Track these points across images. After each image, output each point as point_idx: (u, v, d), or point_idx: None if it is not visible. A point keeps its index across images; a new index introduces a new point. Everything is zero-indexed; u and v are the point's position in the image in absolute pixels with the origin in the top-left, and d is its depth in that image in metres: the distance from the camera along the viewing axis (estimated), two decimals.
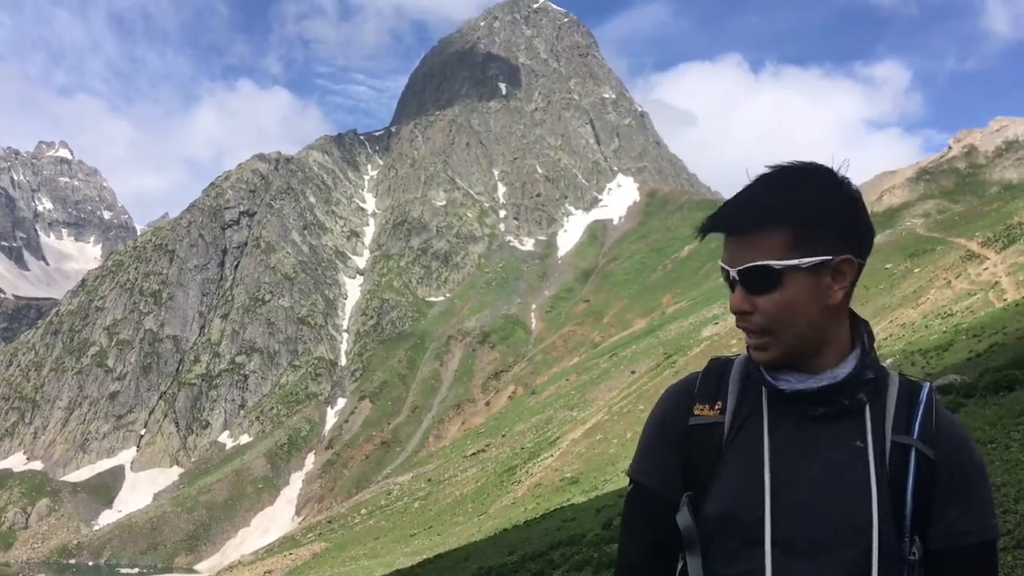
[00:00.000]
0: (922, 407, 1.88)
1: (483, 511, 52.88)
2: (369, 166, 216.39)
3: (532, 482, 53.06)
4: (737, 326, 1.94)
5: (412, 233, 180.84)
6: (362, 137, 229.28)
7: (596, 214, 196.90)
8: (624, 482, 32.91)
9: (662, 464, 2.03)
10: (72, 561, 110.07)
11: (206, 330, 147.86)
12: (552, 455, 57.12)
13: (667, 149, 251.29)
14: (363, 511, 77.41)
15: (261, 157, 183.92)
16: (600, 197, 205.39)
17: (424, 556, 38.34)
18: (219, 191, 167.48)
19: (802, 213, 1.82)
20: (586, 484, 43.14)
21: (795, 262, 1.81)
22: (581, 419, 65.62)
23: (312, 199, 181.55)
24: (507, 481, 58.65)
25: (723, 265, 1.93)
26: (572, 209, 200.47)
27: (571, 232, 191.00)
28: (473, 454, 79.36)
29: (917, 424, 1.85)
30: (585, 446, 53.41)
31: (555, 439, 62.40)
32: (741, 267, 1.86)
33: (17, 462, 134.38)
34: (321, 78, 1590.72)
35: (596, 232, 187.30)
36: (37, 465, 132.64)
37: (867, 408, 1.88)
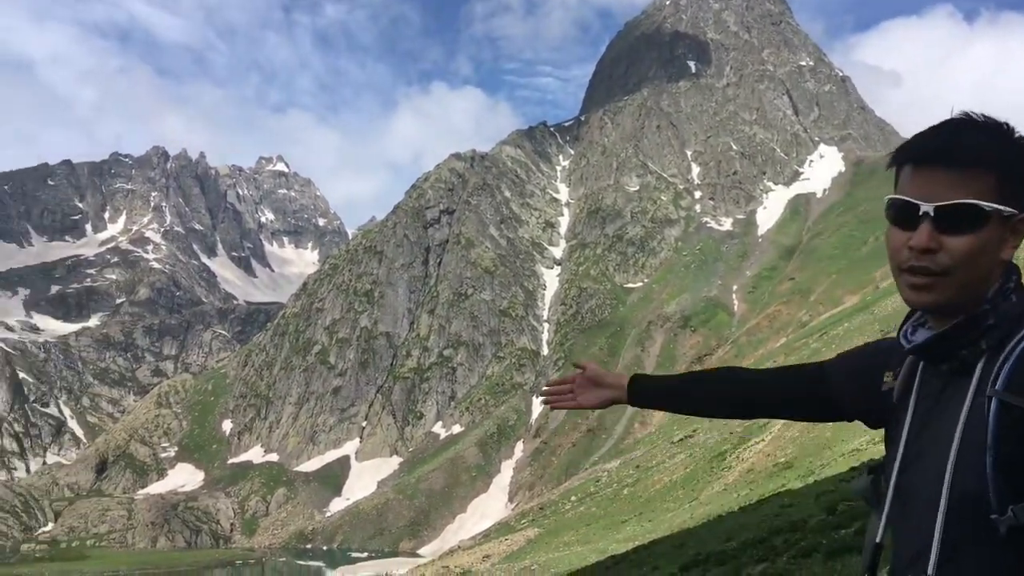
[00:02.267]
0: (1015, 356, 1.81)
1: (693, 497, 52.09)
2: (560, 156, 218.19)
3: (744, 468, 51.67)
4: (903, 266, 1.90)
5: (607, 220, 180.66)
6: (552, 128, 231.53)
7: (797, 188, 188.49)
8: (844, 467, 31.30)
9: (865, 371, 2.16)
10: (308, 546, 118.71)
11: (415, 325, 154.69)
12: (763, 440, 55.36)
13: (873, 114, 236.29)
14: (573, 498, 78.33)
15: (457, 156, 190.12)
16: (801, 170, 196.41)
17: (637, 543, 38.26)
18: (420, 192, 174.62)
19: (1012, 162, 1.83)
20: (801, 469, 41.47)
21: (1001, 207, 1.81)
22: None
23: (507, 193, 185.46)
24: (717, 467, 57.44)
25: (909, 199, 1.87)
26: (771, 185, 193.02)
27: (771, 209, 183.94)
28: (680, 440, 78.32)
29: (1004, 374, 1.79)
30: (798, 429, 51.34)
31: (765, 423, 60.43)
32: (944, 203, 1.82)
33: (256, 455, 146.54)
34: (509, 74, 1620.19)
35: (798, 207, 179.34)
36: (273, 457, 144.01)
37: (983, 359, 1.85)
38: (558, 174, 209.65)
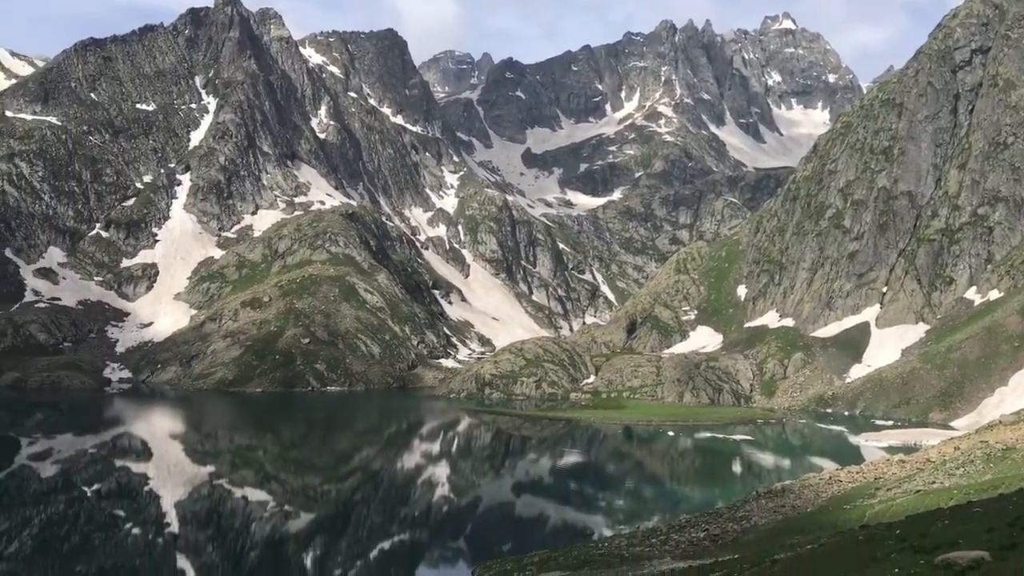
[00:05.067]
0: None
1: None
2: None
3: None
4: None
5: None
6: None
7: None
8: None
9: None
10: (828, 410, 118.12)
11: (942, 183, 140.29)
12: None
13: None
14: None
15: None
16: None
17: None
18: (946, 31, 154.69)
19: None
20: None
21: None
22: None
23: None
24: None
25: None
26: None
27: None
28: None
29: None
30: None
31: None
32: None
33: (771, 319, 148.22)
34: None
35: None
36: (788, 322, 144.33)
37: None
38: None
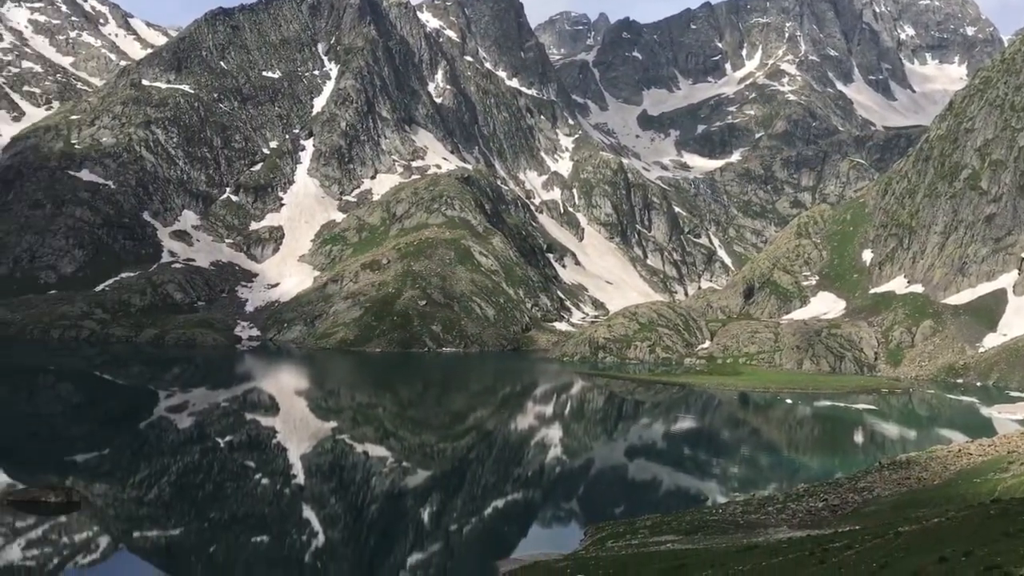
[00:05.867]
0: None
1: None
2: None
3: None
4: None
5: None
6: None
7: None
8: None
9: None
10: (959, 380, 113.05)
11: None
12: None
13: None
14: None
15: None
16: None
17: None
18: None
19: None
20: None
21: None
22: None
23: None
24: None
25: None
26: None
27: None
28: None
29: None
30: None
31: None
32: None
33: (899, 285, 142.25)
34: None
35: None
36: (917, 288, 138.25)
37: None
38: None
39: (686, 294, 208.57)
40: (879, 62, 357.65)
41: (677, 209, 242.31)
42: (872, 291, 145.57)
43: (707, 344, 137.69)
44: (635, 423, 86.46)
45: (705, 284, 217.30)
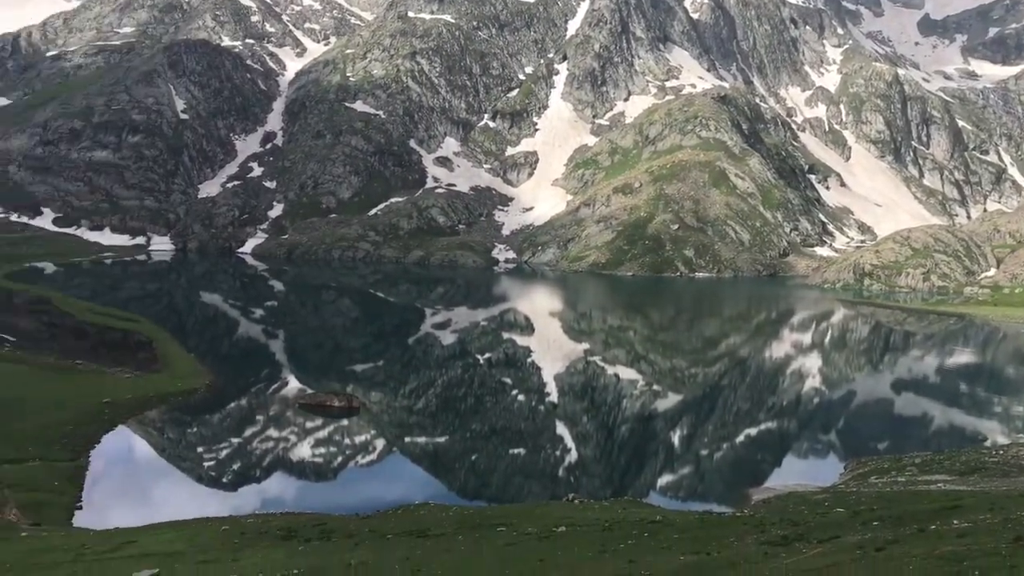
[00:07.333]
0: None
1: None
2: None
3: None
4: None
5: None
6: None
7: None
8: None
9: None
10: None
11: None
12: None
13: None
14: None
15: None
16: None
17: None
18: None
19: None
20: None
21: None
22: None
23: None
24: None
25: None
26: None
27: None
28: None
29: None
30: None
31: None
32: None
33: None
34: None
35: None
36: None
37: None
38: None
39: (969, 217, 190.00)
40: None
41: (961, 123, 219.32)
42: None
43: (992, 272, 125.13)
44: (904, 355, 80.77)
45: (992, 206, 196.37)
